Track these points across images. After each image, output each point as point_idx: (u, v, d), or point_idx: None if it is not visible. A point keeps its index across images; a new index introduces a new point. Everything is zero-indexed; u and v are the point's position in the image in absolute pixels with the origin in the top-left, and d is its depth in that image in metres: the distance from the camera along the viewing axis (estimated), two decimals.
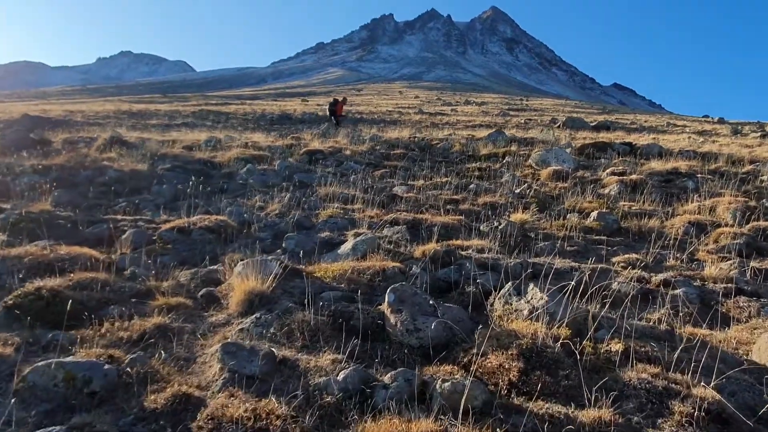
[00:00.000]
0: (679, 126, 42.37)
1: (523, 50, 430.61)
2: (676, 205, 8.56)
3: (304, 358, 3.18)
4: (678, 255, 5.83)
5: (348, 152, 13.28)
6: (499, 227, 6.49)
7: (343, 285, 4.39)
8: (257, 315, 3.76)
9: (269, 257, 4.72)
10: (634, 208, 8.30)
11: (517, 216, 6.92)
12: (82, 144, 13.02)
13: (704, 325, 3.99)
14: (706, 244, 6.30)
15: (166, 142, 13.83)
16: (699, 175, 11.06)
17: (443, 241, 6.05)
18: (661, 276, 4.79)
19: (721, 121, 51.45)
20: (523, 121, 44.42)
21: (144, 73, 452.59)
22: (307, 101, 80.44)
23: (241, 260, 5.08)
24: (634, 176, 10.18)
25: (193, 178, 9.52)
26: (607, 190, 9.72)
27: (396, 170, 11.40)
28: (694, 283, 4.69)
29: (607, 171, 10.94)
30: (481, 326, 3.65)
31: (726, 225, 6.96)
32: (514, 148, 14.89)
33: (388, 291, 3.80)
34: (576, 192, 9.23)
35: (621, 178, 10.17)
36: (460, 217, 7.32)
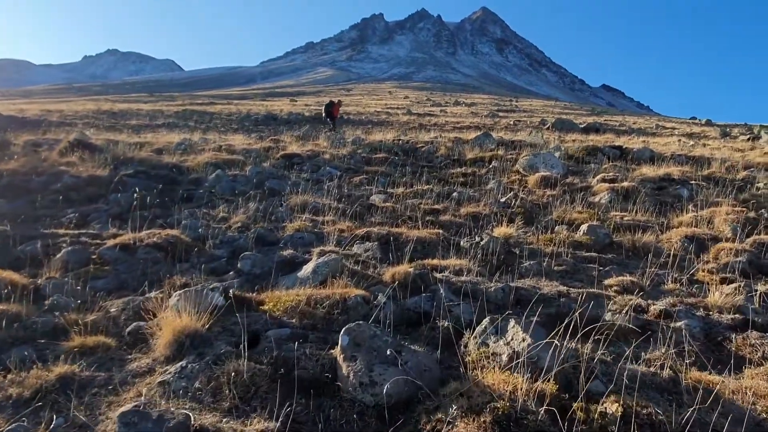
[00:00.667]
0: (667, 128, 42.19)
1: (513, 51, 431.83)
2: (671, 215, 8.04)
3: (228, 427, 2.56)
4: (677, 275, 5.27)
5: (327, 156, 12.65)
6: (481, 243, 5.91)
7: (294, 320, 3.77)
8: (184, 363, 3.13)
9: (212, 284, 4.09)
10: (626, 218, 7.76)
11: (501, 230, 6.34)
12: (45, 147, 12.28)
13: (712, 369, 3.42)
14: (706, 262, 5.75)
15: (135, 145, 13.11)
16: (693, 182, 10.57)
17: (418, 259, 5.46)
18: (660, 304, 4.23)
19: (709, 123, 51.45)
20: (512, 122, 44.04)
21: (131, 71, 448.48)
22: (296, 101, 79.64)
23: (185, 286, 4.45)
24: (625, 183, 9.65)
25: (156, 185, 8.86)
26: (597, 199, 9.18)
27: (376, 176, 10.79)
28: (697, 313, 4.13)
29: (598, 177, 10.41)
30: (451, 379, 3.05)
31: (726, 239, 6.43)
32: (501, 151, 14.34)
33: (342, 332, 3.19)
34: (565, 201, 8.68)
35: (612, 185, 9.64)
36: (440, 230, 6.73)
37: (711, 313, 4.14)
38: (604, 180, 10.18)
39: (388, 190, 9.45)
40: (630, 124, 45.19)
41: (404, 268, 4.73)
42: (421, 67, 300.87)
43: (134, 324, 3.83)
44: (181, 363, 3.15)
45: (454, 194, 9.07)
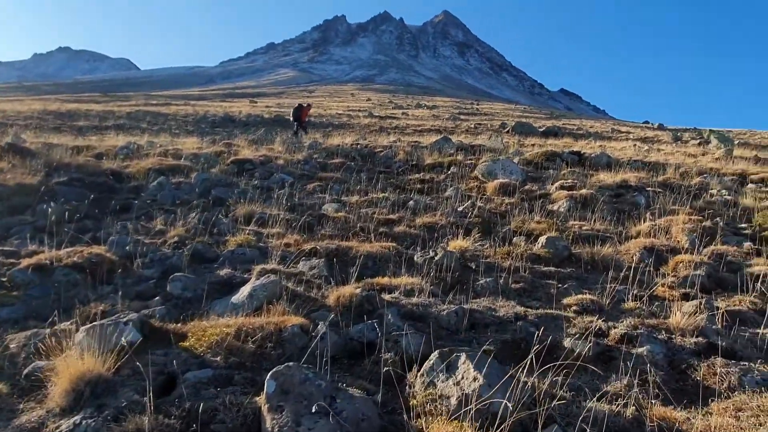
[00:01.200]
0: (623, 132, 43.26)
1: (474, 55, 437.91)
2: (629, 224, 7.92)
3: None
4: (637, 291, 5.06)
5: (281, 162, 12.14)
6: (435, 258, 5.57)
7: (219, 358, 3.31)
8: (78, 418, 2.65)
9: (128, 316, 3.58)
10: (585, 228, 7.58)
11: (457, 243, 6.03)
12: None
13: (677, 403, 3.16)
14: (666, 276, 5.58)
15: (75, 149, 12.28)
16: (649, 189, 10.56)
17: (369, 278, 5.07)
18: (621, 328, 3.97)
19: (661, 127, 53.16)
20: (473, 125, 44.31)
21: (84, 70, 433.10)
22: (256, 103, 78.30)
23: (103, 315, 3.94)
24: (584, 191, 9.53)
25: (90, 194, 8.20)
26: (556, 207, 9.01)
27: (331, 183, 10.36)
28: (660, 336, 3.89)
29: (556, 184, 10.27)
30: (393, 428, 2.67)
31: (683, 250, 6.30)
32: (460, 157, 14.13)
33: (268, 377, 2.77)
34: (524, 209, 8.46)
35: (570, 192, 9.51)
36: (393, 243, 6.37)
37: (674, 336, 3.91)
38: (562, 187, 10.04)
39: (342, 199, 9.04)
40: (587, 128, 46.16)
41: (350, 289, 4.33)
42: (384, 70, 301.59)
43: (32, 366, 3.30)
44: (75, 418, 2.66)
45: (411, 203, 8.74)
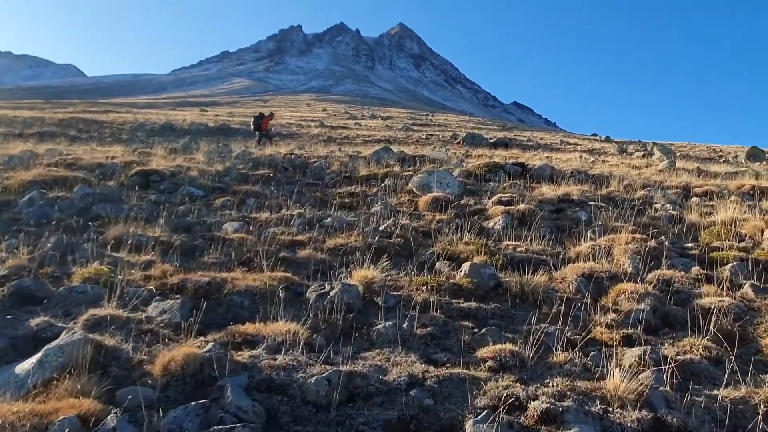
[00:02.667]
0: (571, 144, 43.72)
1: (429, 67, 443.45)
2: (568, 243, 7.09)
3: None
4: (570, 334, 4.14)
5: (195, 173, 10.85)
6: (330, 294, 4.50)
7: None
8: None
9: None
10: (519, 249, 6.69)
11: (362, 273, 4.97)
12: None
13: None
14: (605, 311, 4.69)
15: None
16: (592, 203, 9.86)
17: (236, 324, 3.95)
18: (544, 398, 2.99)
19: (608, 139, 54.24)
20: (424, 136, 43.85)
21: (27, 76, 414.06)
22: (206, 111, 76.06)
23: None
24: (522, 206, 8.69)
25: None
26: (491, 224, 8.13)
27: (246, 198, 9.17)
28: (593, 409, 2.93)
29: (494, 199, 9.42)
30: None
31: (626, 276, 5.47)
32: (397, 168, 13.20)
33: None
34: (455, 227, 7.52)
35: (508, 208, 8.65)
36: (288, 273, 5.27)
37: (611, 408, 2.95)
38: (500, 202, 9.19)
39: (251, 216, 7.87)
40: (537, 140, 46.50)
41: (187, 349, 3.18)
42: (340, 80, 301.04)
43: None
44: None
45: (328, 220, 7.65)
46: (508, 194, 9.59)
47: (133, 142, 26.20)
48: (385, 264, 5.27)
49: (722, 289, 5.19)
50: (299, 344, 3.56)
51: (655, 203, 10.14)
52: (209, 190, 9.67)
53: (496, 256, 6.11)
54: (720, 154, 38.57)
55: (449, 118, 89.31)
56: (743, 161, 32.09)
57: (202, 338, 3.66)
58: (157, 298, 4.28)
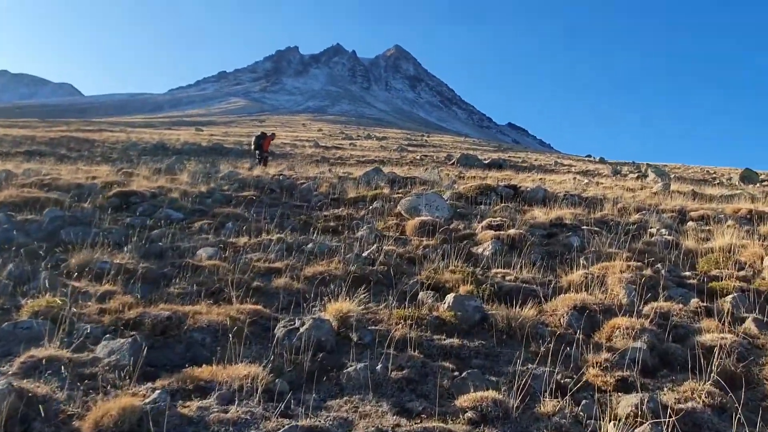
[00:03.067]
0: (565, 165, 43.74)
1: (425, 88, 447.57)
2: (560, 272, 6.75)
3: None
4: (560, 377, 3.78)
5: (176, 195, 10.50)
6: (301, 330, 4.14)
7: None
8: None
9: None
10: (508, 278, 6.35)
11: (338, 306, 4.61)
12: None
13: None
14: (598, 349, 4.34)
15: None
16: (585, 227, 9.56)
17: (192, 366, 3.57)
18: None
19: (602, 160, 54.38)
20: (419, 157, 43.79)
21: (23, 95, 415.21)
22: (202, 131, 76.17)
23: None
24: (512, 231, 8.37)
25: None
26: (481, 250, 7.79)
27: (227, 221, 8.81)
28: None
29: (484, 223, 9.09)
30: None
31: (621, 310, 5.13)
32: (387, 190, 12.90)
33: None
34: (442, 253, 7.18)
35: (498, 233, 8.33)
36: (258, 305, 4.89)
37: None
38: (490, 226, 8.87)
39: (230, 240, 7.50)
40: (531, 161, 46.55)
41: (126, 402, 2.80)
42: (336, 101, 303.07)
43: None
44: None
45: (309, 245, 7.30)
46: (498, 218, 9.28)
47: (122, 162, 25.90)
48: (362, 296, 4.91)
49: (723, 324, 4.85)
50: (257, 392, 3.18)
51: (651, 228, 9.85)
52: (189, 213, 9.32)
53: (484, 285, 5.76)
54: (714, 175, 38.61)
55: (445, 139, 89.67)
56: (737, 183, 32.06)
57: (149, 384, 3.28)
58: (108, 336, 3.90)
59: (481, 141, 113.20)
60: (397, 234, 8.79)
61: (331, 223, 9.47)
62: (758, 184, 31.34)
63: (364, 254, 6.90)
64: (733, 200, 14.24)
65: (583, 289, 5.96)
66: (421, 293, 5.57)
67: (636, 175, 33.99)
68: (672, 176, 33.40)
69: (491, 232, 8.38)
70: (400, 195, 12.34)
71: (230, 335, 4.11)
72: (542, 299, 5.47)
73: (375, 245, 7.25)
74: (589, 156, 70.74)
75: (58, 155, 28.31)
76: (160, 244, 7.01)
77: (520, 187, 14.19)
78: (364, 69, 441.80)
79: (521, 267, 6.78)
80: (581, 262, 7.09)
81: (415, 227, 8.83)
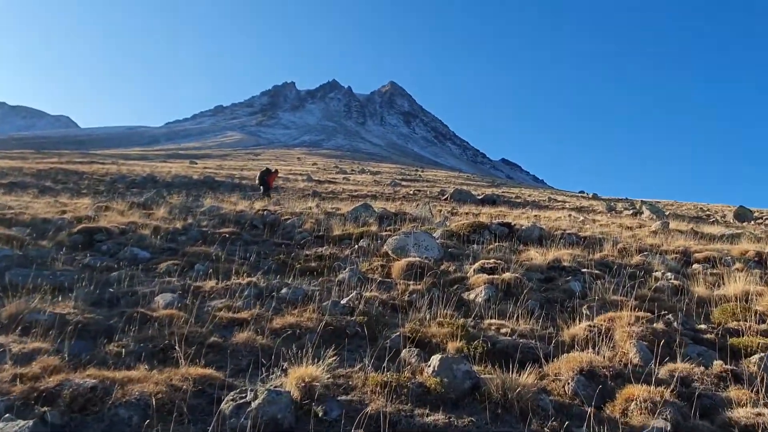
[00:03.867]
0: (559, 201, 43.41)
1: (419, 124, 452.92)
2: (561, 323, 6.05)
3: None
4: None
5: (146, 231, 9.80)
6: (253, 405, 3.40)
7: None
8: None
9: None
10: (504, 330, 5.64)
11: (302, 372, 3.87)
12: None
13: None
14: (613, 429, 3.61)
15: None
16: (585, 270, 8.91)
17: None
18: None
19: (596, 197, 54.23)
20: (412, 192, 43.40)
21: (20, 126, 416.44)
22: (196, 163, 75.99)
23: None
24: (507, 275, 7.69)
25: None
26: (473, 296, 7.09)
27: (196, 261, 8.10)
28: None
29: (476, 265, 8.41)
30: None
31: (634, 373, 4.42)
32: (374, 227, 12.25)
33: None
34: (430, 300, 6.48)
35: (492, 276, 7.65)
36: (208, 369, 4.14)
37: None
38: (483, 269, 8.19)
39: (196, 284, 6.77)
40: (525, 197, 46.21)
41: None
42: (331, 135, 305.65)
43: None
44: None
45: (284, 290, 6.59)
46: (492, 260, 8.60)
47: (109, 195, 25.21)
48: (333, 358, 4.18)
49: (755, 393, 4.15)
50: None
51: (655, 271, 9.20)
52: (157, 252, 8.60)
53: (476, 342, 5.04)
54: (708, 213, 38.30)
55: (438, 174, 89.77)
56: (732, 221, 31.67)
57: None
58: (7, 416, 3.14)
59: (475, 176, 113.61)
60: (382, 277, 8.09)
61: (312, 264, 8.77)
62: (753, 222, 30.96)
63: (343, 301, 6.18)
64: (736, 240, 13.66)
65: (589, 344, 5.26)
66: (403, 351, 4.83)
67: (631, 211, 33.60)
68: (667, 213, 33.03)
69: (484, 276, 7.70)
70: (388, 233, 11.69)
71: (167, 410, 3.36)
72: (542, 359, 4.75)
73: (356, 290, 6.54)
74: (582, 192, 70.78)
75: (42, 187, 27.60)
76: (115, 289, 6.28)
77: (514, 225, 13.59)
78: (359, 104, 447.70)
79: (518, 317, 6.08)
80: (584, 311, 6.40)
81: (401, 269, 8.15)
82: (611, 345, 5.26)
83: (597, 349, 5.09)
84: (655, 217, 27.71)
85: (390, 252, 9.52)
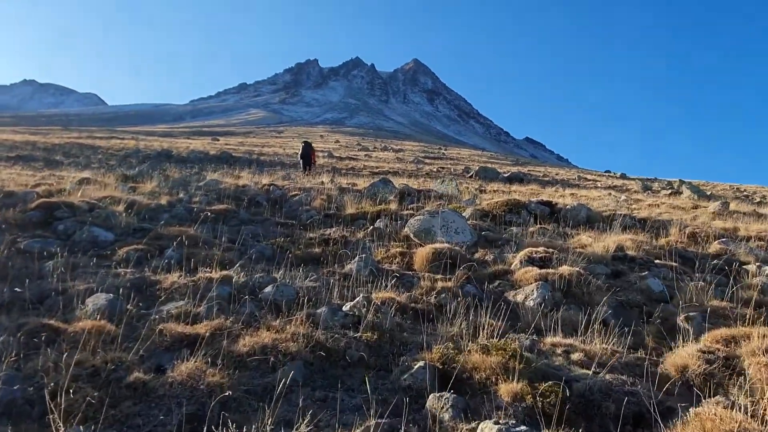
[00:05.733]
0: (590, 180, 40.87)
1: (442, 102, 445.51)
2: (649, 342, 4.27)
3: None
4: None
5: (120, 207, 8.20)
6: None
7: None
8: None
9: None
10: (576, 358, 3.86)
11: None
12: None
13: None
14: None
15: None
16: (658, 262, 7.03)
17: None
18: None
19: (624, 176, 51.18)
20: (435, 169, 41.41)
21: (49, 104, 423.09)
22: (218, 140, 75.20)
23: None
24: (565, 268, 5.84)
25: None
26: (521, 297, 5.30)
27: (167, 246, 6.45)
28: None
29: (522, 254, 6.56)
30: None
31: None
32: (394, 206, 10.48)
33: None
34: (465, 305, 4.72)
35: (544, 271, 5.82)
36: None
37: None
38: (530, 260, 6.35)
39: (154, 278, 5.13)
40: (553, 175, 43.78)
41: None
42: (354, 113, 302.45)
43: None
44: None
45: (268, 289, 4.89)
46: (540, 249, 6.73)
47: (111, 168, 23.90)
48: (317, 419, 2.46)
49: None
50: None
51: (745, 264, 7.27)
52: (125, 233, 6.99)
53: (544, 386, 3.26)
54: (746, 193, 35.43)
55: (462, 152, 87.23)
56: None
57: None
58: None
59: (499, 155, 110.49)
60: (402, 268, 6.35)
61: (315, 249, 7.07)
62: None
63: (346, 307, 4.46)
64: None
65: (709, 386, 3.45)
66: (431, 398, 3.10)
67: (669, 191, 31.16)
68: (708, 193, 30.47)
69: (534, 270, 5.87)
70: (410, 212, 9.93)
71: None
72: (657, 418, 2.95)
73: (366, 289, 4.81)
74: (608, 171, 67.62)
75: (48, 161, 26.47)
76: (40, 285, 4.65)
77: (556, 204, 11.66)
78: (382, 82, 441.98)
79: (592, 332, 4.29)
80: (681, 324, 4.58)
81: (426, 258, 6.38)
82: (747, 387, 3.44)
83: (728, 388, 3.28)
84: (696, 197, 25.38)
85: (412, 235, 7.76)
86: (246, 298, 4.62)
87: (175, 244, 6.54)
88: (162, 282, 4.99)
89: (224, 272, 5.14)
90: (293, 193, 12.25)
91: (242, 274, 5.24)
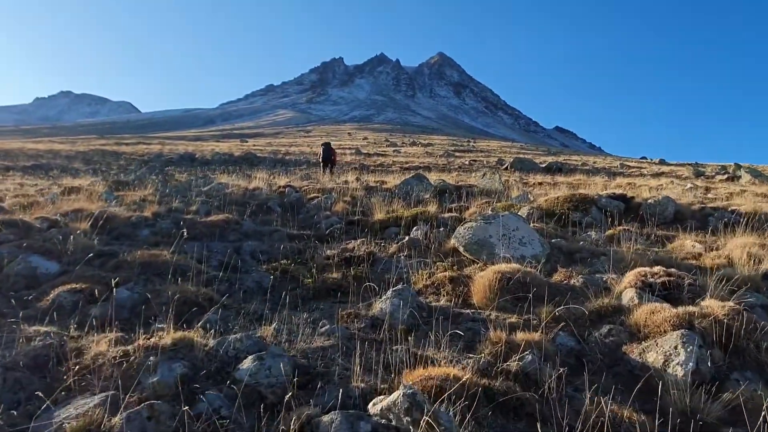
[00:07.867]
0: (633, 167, 37.88)
1: (469, 94, 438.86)
2: None
3: None
4: None
5: (84, 225, 6.44)
6: None
7: None
8: None
9: None
10: None
11: None
12: None
13: None
14: None
15: None
16: None
17: None
18: None
19: (662, 162, 47.42)
20: (467, 162, 39.16)
21: (85, 113, 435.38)
22: (246, 142, 74.97)
23: None
24: (713, 304, 3.75)
25: None
26: (659, 361, 3.25)
27: (129, 279, 4.64)
28: None
29: (631, 280, 4.47)
30: None
31: None
32: (433, 207, 8.50)
33: None
34: (566, 381, 2.74)
35: (684, 311, 3.72)
36: None
37: None
38: (646, 286, 4.26)
39: (73, 345, 3.30)
40: (591, 164, 40.87)
41: None
42: (381, 110, 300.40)
43: None
44: None
45: (245, 365, 2.99)
46: (658, 269, 4.61)
47: (130, 174, 22.59)
48: None
49: None
50: None
51: None
52: (76, 262, 5.17)
53: None
54: None
55: (491, 144, 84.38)
56: None
57: None
58: None
59: (529, 145, 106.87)
60: (456, 303, 4.37)
61: (333, 275, 5.16)
62: None
63: (375, 410, 2.52)
64: None
65: None
66: None
67: (725, 176, 28.23)
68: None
69: (665, 308, 3.77)
70: (454, 215, 7.95)
71: None
72: None
73: (405, 348, 2.85)
74: (644, 158, 63.84)
75: (66, 169, 25.32)
76: None
77: (633, 198, 9.48)
78: (408, 77, 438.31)
79: None
80: None
81: (490, 287, 4.37)
82: None
83: None
84: (757, 182, 22.64)
85: (462, 249, 5.77)
86: (208, 383, 2.73)
87: (143, 273, 4.71)
88: (84, 352, 3.15)
89: (181, 334, 3.23)
90: (312, 195, 10.39)
91: (211, 333, 3.34)
